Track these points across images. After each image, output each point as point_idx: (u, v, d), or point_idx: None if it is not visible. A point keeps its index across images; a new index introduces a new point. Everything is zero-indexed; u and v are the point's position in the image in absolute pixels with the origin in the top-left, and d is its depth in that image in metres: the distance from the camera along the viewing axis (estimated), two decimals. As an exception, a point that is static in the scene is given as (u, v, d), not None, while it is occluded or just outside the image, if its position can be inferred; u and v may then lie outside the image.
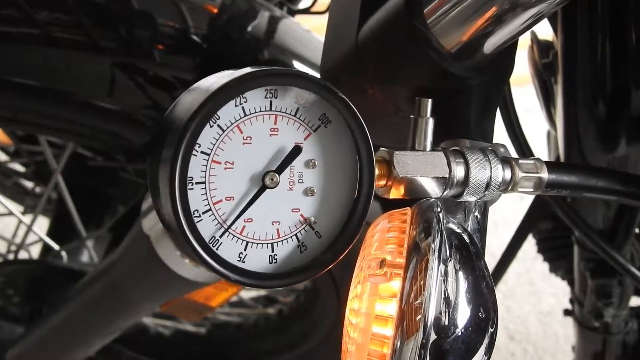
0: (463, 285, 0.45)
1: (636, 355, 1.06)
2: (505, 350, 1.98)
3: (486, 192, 0.51)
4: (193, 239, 0.44)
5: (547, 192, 0.54)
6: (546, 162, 0.54)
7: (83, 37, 0.81)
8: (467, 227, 0.53)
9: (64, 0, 0.80)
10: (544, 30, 0.79)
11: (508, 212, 2.00)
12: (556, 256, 1.13)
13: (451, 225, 0.48)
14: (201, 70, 0.85)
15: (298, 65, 0.91)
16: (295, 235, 0.47)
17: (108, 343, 0.94)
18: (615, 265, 0.76)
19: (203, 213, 0.45)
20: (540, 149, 1.14)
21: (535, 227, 1.09)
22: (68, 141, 1.15)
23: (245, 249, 0.46)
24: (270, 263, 0.47)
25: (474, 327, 0.45)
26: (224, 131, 0.45)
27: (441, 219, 0.47)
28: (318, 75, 0.54)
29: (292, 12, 1.09)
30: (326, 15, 0.69)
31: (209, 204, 0.45)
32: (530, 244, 1.12)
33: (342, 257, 0.47)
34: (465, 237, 0.47)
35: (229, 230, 0.46)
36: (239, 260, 0.46)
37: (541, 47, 0.86)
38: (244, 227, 0.46)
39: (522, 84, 1.03)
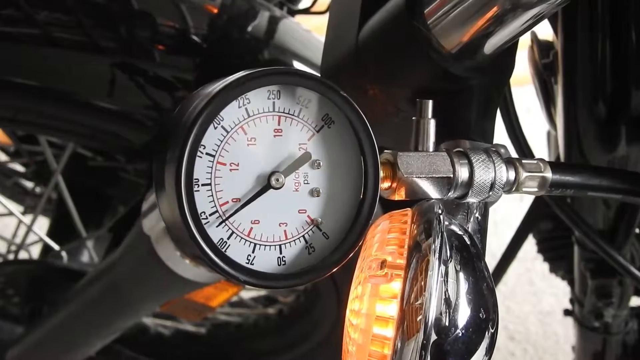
0: (463, 286, 0.45)
1: (636, 355, 1.06)
2: (505, 350, 1.98)
3: (490, 193, 0.51)
4: (202, 242, 0.44)
5: (551, 192, 0.54)
6: (549, 162, 0.54)
7: (83, 37, 0.81)
8: (468, 227, 0.53)
9: (64, 0, 0.80)
10: (544, 30, 0.79)
11: (508, 212, 2.00)
12: (556, 256, 1.13)
13: (452, 226, 0.48)
14: (201, 70, 0.85)
15: (298, 66, 0.91)
16: (303, 236, 0.47)
17: (108, 343, 0.94)
18: (615, 265, 0.76)
19: (210, 215, 0.45)
20: (540, 149, 1.14)
21: (535, 227, 1.09)
22: (68, 141, 1.15)
23: (253, 251, 0.46)
24: (279, 265, 0.47)
25: (474, 327, 0.45)
26: (228, 132, 0.45)
27: (442, 220, 0.47)
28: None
29: (292, 12, 1.09)
30: (326, 15, 0.69)
31: (215, 205, 0.45)
32: (530, 244, 1.12)
33: (350, 257, 0.48)
34: (466, 238, 0.47)
35: (227, 222, 0.45)
36: (248, 263, 0.46)
37: (541, 47, 0.86)
38: (252, 228, 0.46)
39: (522, 84, 1.03)
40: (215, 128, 0.45)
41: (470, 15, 0.50)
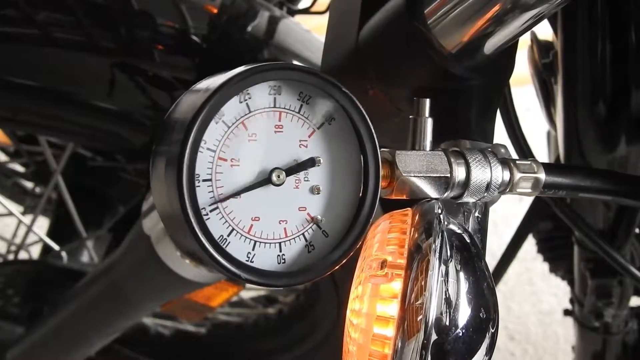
0: (464, 285, 0.45)
1: (636, 355, 1.06)
2: (505, 350, 1.98)
3: (486, 194, 0.51)
4: (204, 238, 0.44)
5: (545, 192, 0.54)
6: (543, 163, 0.54)
7: (83, 37, 0.81)
8: (468, 227, 0.53)
9: (63, 0, 0.80)
10: (544, 30, 0.79)
11: (508, 212, 2.00)
12: (556, 256, 1.13)
13: (452, 226, 0.48)
14: (201, 70, 0.85)
15: (298, 66, 0.91)
16: (303, 234, 0.47)
17: (108, 343, 0.94)
18: (615, 265, 0.76)
19: (210, 211, 0.45)
20: (540, 149, 1.14)
21: (535, 227, 1.09)
22: (68, 141, 1.15)
23: (253, 249, 0.46)
24: (279, 263, 0.47)
25: (474, 327, 0.45)
26: (229, 127, 0.45)
27: (442, 220, 0.47)
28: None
29: (292, 12, 1.09)
30: (326, 15, 0.69)
31: (215, 202, 0.45)
32: (530, 244, 1.12)
33: (349, 256, 0.47)
34: (466, 238, 0.47)
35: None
36: (248, 260, 0.46)
37: (541, 47, 0.86)
38: (252, 225, 0.46)
39: (522, 84, 1.03)
40: (217, 123, 0.44)
41: (470, 15, 0.50)
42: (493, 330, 0.46)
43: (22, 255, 1.37)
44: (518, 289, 2.17)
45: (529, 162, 0.53)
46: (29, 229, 1.25)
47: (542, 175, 0.53)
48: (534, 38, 0.88)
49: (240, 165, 0.45)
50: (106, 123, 0.87)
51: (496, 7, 0.48)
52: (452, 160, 0.50)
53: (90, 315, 0.88)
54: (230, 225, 0.45)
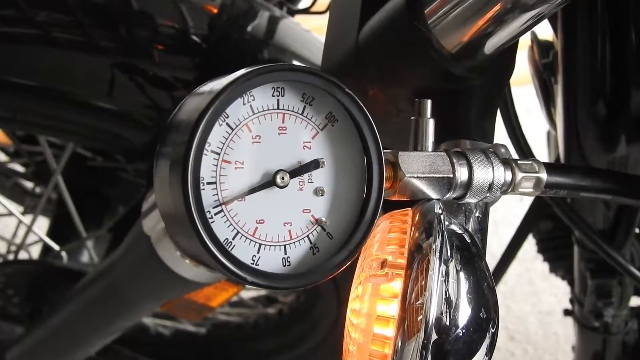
0: (464, 285, 0.45)
1: (636, 355, 1.06)
2: (505, 350, 1.98)
3: (488, 194, 0.51)
4: (210, 242, 0.43)
5: (546, 192, 0.54)
6: (544, 163, 0.54)
7: (83, 37, 0.81)
8: (468, 227, 0.53)
9: (64, 0, 0.80)
10: (544, 30, 0.79)
11: (508, 212, 2.00)
12: (556, 256, 1.13)
13: (452, 226, 0.48)
14: (201, 70, 0.85)
15: (298, 66, 0.91)
16: (307, 236, 0.47)
17: (108, 343, 0.94)
18: (615, 265, 0.76)
19: (215, 214, 0.45)
20: (540, 149, 1.14)
21: (535, 227, 1.10)
22: (68, 141, 1.15)
23: (258, 252, 0.46)
24: (284, 266, 0.47)
25: (475, 327, 0.45)
26: (233, 130, 0.45)
27: (442, 220, 0.47)
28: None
29: (292, 12, 1.09)
30: (326, 15, 0.69)
31: (220, 204, 0.45)
32: (530, 244, 1.12)
33: (354, 258, 0.47)
34: (467, 238, 0.48)
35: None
36: (253, 263, 0.46)
37: (541, 47, 0.86)
38: (257, 228, 0.46)
39: (522, 84, 1.03)
40: (221, 125, 0.44)
41: (470, 15, 0.50)
42: (493, 330, 0.46)
43: (22, 255, 1.37)
44: (518, 289, 2.17)
45: (530, 162, 0.53)
46: (29, 229, 1.25)
47: (543, 175, 0.53)
48: (534, 38, 0.88)
49: (244, 167, 0.45)
50: (106, 123, 0.87)
51: (496, 7, 0.48)
52: (455, 160, 0.50)
53: (90, 315, 0.88)
54: (235, 228, 0.45)
